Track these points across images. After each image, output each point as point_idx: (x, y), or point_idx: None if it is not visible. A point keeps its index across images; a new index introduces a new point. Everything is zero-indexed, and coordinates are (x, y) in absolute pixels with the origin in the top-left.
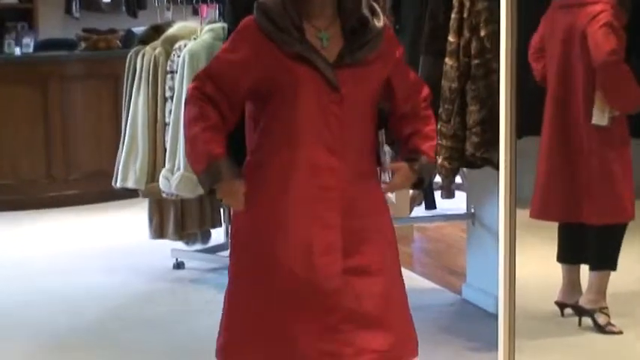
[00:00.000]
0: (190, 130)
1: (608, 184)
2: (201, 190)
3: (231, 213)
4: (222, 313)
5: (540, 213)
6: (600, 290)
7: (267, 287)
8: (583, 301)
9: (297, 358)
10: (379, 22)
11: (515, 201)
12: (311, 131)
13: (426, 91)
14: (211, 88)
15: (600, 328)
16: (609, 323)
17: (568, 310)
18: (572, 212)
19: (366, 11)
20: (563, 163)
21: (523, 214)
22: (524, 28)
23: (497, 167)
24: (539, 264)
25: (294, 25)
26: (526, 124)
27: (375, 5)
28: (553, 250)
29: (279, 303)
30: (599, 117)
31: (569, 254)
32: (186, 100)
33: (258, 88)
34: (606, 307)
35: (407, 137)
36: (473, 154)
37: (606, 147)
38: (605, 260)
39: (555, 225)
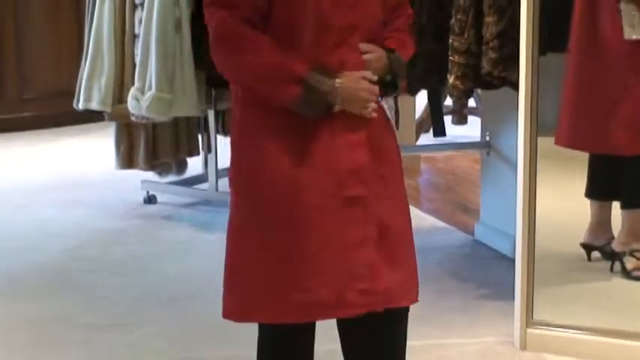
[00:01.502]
0: (249, 64)
1: None
2: (175, 113)
3: (233, 136)
4: (226, 265)
5: (568, 140)
6: (632, 232)
7: (286, 220)
8: (615, 244)
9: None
10: None
11: (537, 127)
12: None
13: (410, 11)
14: (245, 11)
15: (627, 274)
16: (637, 268)
17: (596, 254)
18: (606, 142)
19: None
20: (596, 83)
21: (545, 143)
22: None
23: (516, 88)
24: (564, 200)
25: None
26: (550, 39)
27: None
28: (580, 184)
29: (299, 236)
30: (630, 29)
31: (601, 189)
32: (217, 35)
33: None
34: (638, 251)
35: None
36: (489, 73)
37: None
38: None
39: (583, 155)
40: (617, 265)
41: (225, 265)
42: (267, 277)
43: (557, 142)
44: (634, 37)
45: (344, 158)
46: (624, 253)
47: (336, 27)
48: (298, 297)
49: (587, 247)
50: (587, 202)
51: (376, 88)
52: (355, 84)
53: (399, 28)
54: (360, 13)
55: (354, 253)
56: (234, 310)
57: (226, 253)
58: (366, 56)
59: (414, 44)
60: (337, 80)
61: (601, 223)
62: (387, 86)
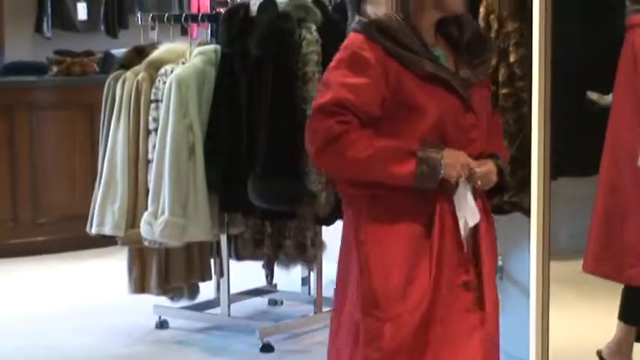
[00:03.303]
0: (358, 156)
1: None
2: (188, 238)
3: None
4: None
5: (596, 267)
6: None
7: None
8: None
9: None
10: (491, 39)
11: (549, 253)
12: None
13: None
14: (353, 117)
15: None
16: None
17: None
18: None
19: (478, 24)
20: (630, 210)
21: (557, 268)
22: (559, 53)
23: (528, 213)
24: (578, 325)
25: (420, 42)
26: (561, 164)
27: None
28: (595, 308)
29: None
30: None
31: (631, 313)
32: (324, 139)
33: (386, 113)
34: None
35: None
36: (500, 198)
37: None
38: None
39: (596, 280)
40: None
41: None
42: None
43: (585, 268)
44: None
45: None
46: None
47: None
48: None
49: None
50: (601, 327)
51: (472, 161)
52: (456, 153)
53: (496, 132)
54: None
55: None
56: None
57: None
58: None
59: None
60: (443, 152)
61: (621, 344)
62: (496, 190)
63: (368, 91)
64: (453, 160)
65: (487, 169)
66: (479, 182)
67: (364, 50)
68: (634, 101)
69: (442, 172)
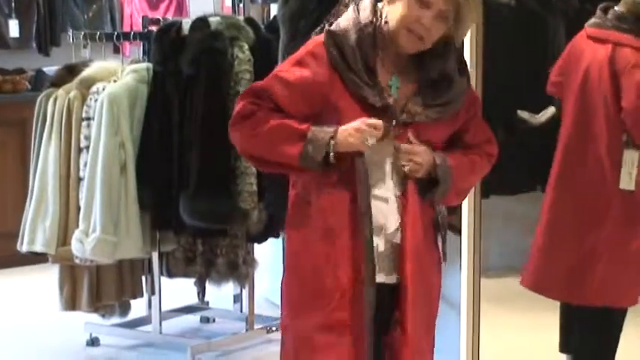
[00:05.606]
0: (254, 137)
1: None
2: (119, 255)
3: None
4: None
5: (535, 284)
6: None
7: None
8: None
9: None
10: (463, 82)
11: (480, 270)
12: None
13: (494, 149)
14: (267, 102)
15: None
16: None
17: None
18: (575, 291)
19: (453, 66)
20: (571, 229)
21: (488, 285)
22: (488, 71)
23: (459, 231)
24: (508, 343)
25: (366, 67)
26: (493, 182)
27: (466, 62)
28: (525, 326)
29: None
30: (627, 180)
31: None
32: (236, 117)
33: (315, 117)
34: None
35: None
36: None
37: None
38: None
39: (527, 298)
40: None
41: None
42: None
43: (524, 284)
44: (629, 187)
45: None
46: None
47: None
48: None
49: None
50: (531, 344)
51: (377, 122)
52: (353, 124)
53: (473, 152)
54: None
55: None
56: None
57: None
58: (404, 146)
59: (484, 168)
60: (338, 128)
61: None
62: (426, 184)
63: (291, 88)
64: (348, 130)
65: (414, 148)
66: (402, 160)
67: (314, 51)
68: (609, 117)
69: (333, 147)
